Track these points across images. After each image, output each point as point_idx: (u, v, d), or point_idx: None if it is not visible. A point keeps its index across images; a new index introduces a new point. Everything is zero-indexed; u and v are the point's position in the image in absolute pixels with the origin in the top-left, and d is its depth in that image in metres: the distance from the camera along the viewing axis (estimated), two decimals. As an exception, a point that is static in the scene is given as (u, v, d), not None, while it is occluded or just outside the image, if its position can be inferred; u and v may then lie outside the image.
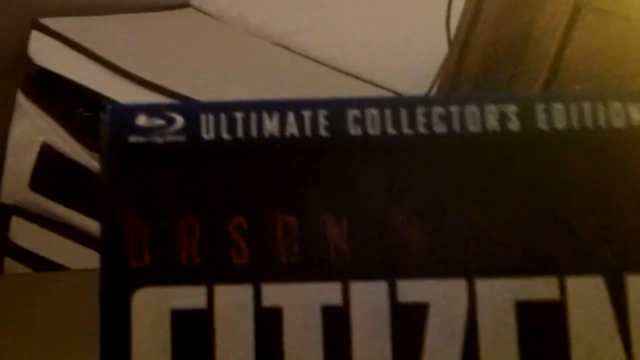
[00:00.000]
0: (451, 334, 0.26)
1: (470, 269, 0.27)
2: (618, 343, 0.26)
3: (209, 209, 0.27)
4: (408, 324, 0.26)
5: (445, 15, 0.91)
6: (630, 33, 0.68)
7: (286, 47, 1.12)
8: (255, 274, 0.27)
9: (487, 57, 0.76)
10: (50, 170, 0.80)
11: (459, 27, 0.78)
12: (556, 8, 0.72)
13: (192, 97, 0.80)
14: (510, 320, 0.26)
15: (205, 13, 1.13)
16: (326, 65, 1.11)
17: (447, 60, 0.79)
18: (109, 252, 0.27)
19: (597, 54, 0.70)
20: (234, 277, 0.27)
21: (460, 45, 0.77)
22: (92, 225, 0.78)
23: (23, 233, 0.85)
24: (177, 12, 1.09)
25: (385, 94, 1.06)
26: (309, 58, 1.11)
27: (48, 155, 0.79)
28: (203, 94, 0.81)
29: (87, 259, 0.78)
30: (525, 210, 0.27)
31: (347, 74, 1.10)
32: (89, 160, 0.79)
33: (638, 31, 0.68)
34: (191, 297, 0.27)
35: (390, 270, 0.27)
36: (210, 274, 0.27)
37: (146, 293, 0.27)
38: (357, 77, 1.10)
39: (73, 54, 0.82)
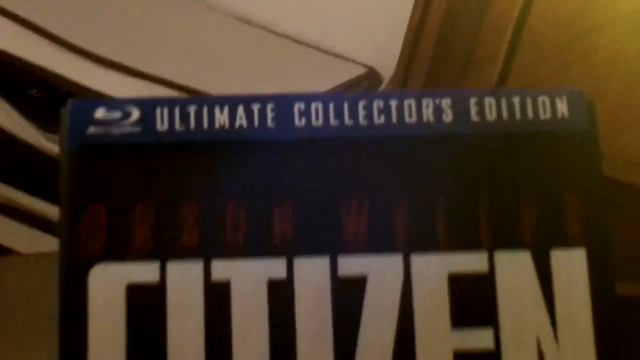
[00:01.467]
0: (388, 305, 0.31)
1: (406, 245, 0.31)
2: (543, 312, 0.31)
3: (163, 195, 0.31)
4: (348, 296, 0.31)
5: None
6: (598, 6, 0.70)
7: (249, 23, 1.14)
8: (205, 252, 0.31)
9: (442, 36, 0.77)
10: (2, 154, 0.82)
11: (414, 8, 0.80)
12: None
13: (152, 74, 0.83)
14: (443, 291, 0.31)
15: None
16: (295, 40, 1.13)
17: (405, 38, 0.81)
18: (67, 233, 0.31)
19: (561, 27, 0.72)
20: (185, 254, 0.31)
21: (415, 24, 0.78)
22: (46, 209, 0.80)
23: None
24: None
25: (358, 67, 1.09)
26: (276, 34, 1.14)
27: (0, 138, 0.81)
28: (163, 69, 0.84)
29: (41, 243, 0.80)
30: (457, 193, 0.31)
31: (317, 48, 1.13)
32: (43, 142, 0.80)
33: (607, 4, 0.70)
34: (145, 273, 0.31)
35: (331, 247, 0.31)
36: (163, 252, 0.31)
37: (102, 270, 0.31)
38: (327, 52, 1.12)
39: (23, 31, 0.83)
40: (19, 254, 0.79)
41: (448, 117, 0.32)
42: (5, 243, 0.80)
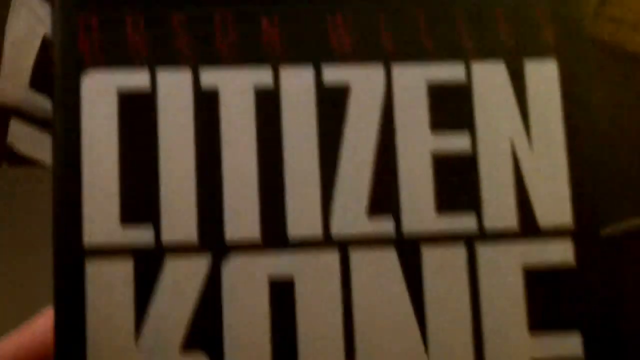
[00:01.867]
0: (370, 113, 0.32)
1: (387, 54, 0.32)
2: (517, 118, 0.32)
3: (153, 6, 0.32)
4: (332, 104, 0.32)
5: None
6: None
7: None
8: (194, 59, 0.32)
9: None
10: (43, 64, 0.81)
11: None
12: None
13: None
14: (423, 98, 0.32)
15: None
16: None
17: None
18: (61, 39, 0.32)
19: None
20: (175, 61, 0.32)
21: None
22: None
23: (23, 137, 0.88)
24: None
25: None
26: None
27: (51, 50, 0.81)
28: None
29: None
30: (437, 5, 0.32)
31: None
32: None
33: None
34: (136, 79, 0.32)
35: (316, 56, 0.32)
36: (153, 59, 0.32)
37: (95, 75, 0.32)
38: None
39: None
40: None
41: None
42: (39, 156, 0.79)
